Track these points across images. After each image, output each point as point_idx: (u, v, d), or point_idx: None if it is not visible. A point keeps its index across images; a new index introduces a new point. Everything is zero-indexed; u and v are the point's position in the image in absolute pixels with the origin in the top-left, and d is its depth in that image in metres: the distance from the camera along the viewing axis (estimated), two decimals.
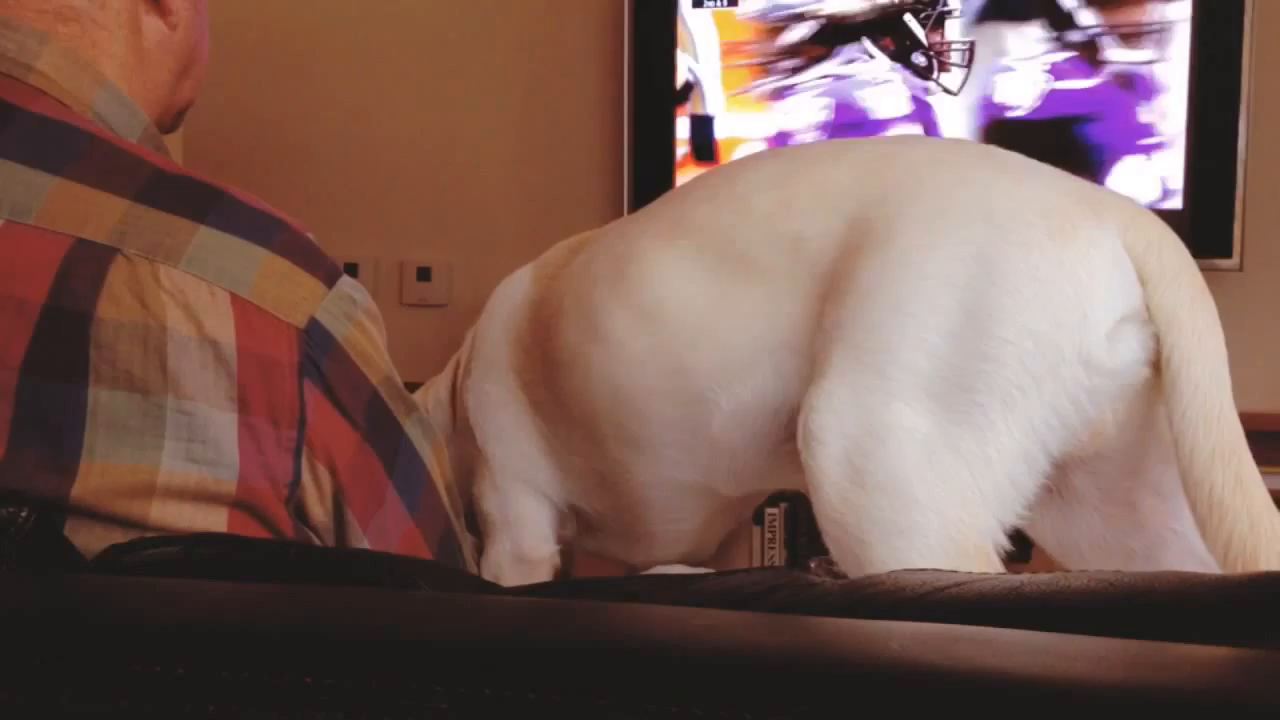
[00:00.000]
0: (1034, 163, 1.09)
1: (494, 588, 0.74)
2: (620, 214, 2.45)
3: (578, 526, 1.35)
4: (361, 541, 0.96)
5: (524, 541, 1.32)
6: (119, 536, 0.84)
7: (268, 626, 0.55)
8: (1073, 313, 0.99)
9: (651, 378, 1.15)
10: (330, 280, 0.96)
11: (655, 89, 2.44)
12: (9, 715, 0.51)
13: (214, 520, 0.89)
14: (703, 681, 0.48)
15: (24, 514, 0.70)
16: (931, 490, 0.99)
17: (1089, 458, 1.06)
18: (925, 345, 1.00)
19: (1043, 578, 0.62)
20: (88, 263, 0.89)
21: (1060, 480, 1.07)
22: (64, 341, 0.87)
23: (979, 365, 0.99)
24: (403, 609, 0.59)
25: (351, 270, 2.54)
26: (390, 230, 2.66)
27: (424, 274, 2.67)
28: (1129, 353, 1.00)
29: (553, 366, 1.24)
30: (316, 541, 0.94)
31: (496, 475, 1.31)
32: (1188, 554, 1.08)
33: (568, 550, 1.38)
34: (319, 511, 0.94)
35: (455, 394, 1.43)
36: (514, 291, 1.33)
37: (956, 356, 0.99)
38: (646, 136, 2.45)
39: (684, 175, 2.43)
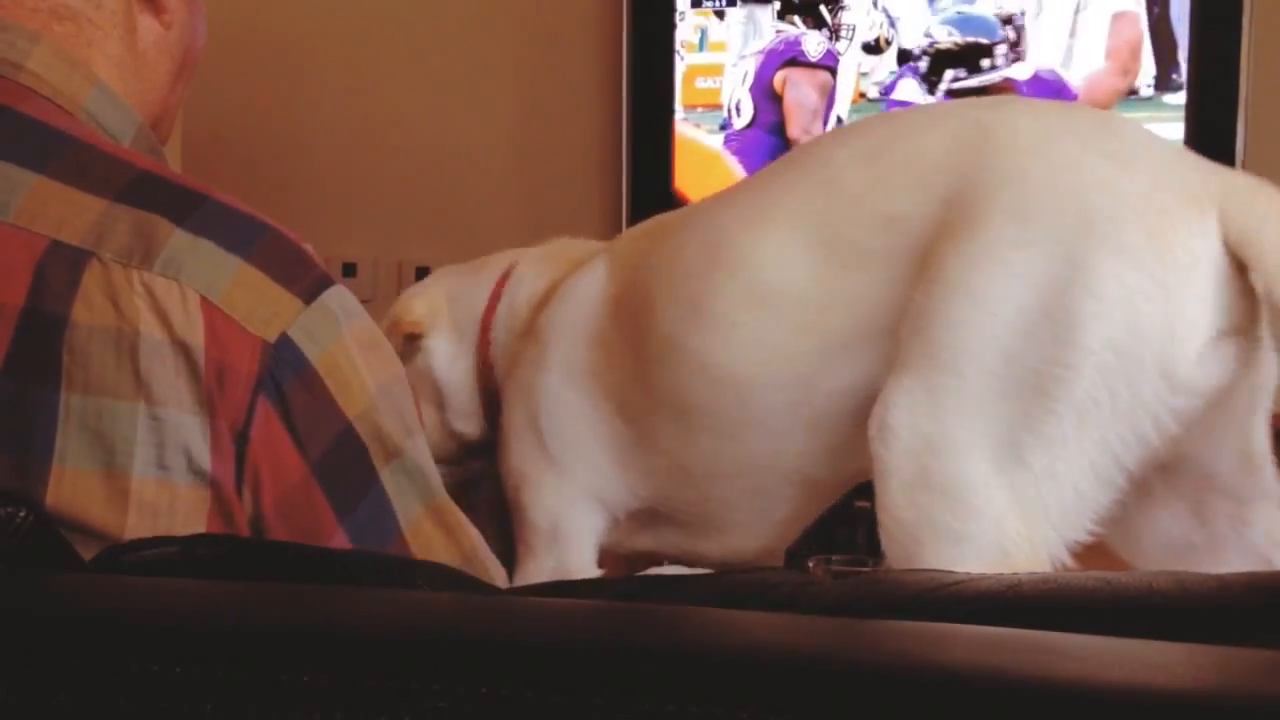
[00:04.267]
0: (1148, 141, 1.02)
1: (493, 588, 0.74)
2: (619, 213, 2.45)
3: (635, 526, 1.30)
4: None
5: (571, 561, 1.27)
6: (95, 548, 0.81)
7: (267, 626, 0.55)
8: (1159, 326, 0.93)
9: (752, 364, 1.12)
10: (310, 296, 0.92)
11: (654, 88, 2.44)
12: (7, 715, 0.51)
13: (189, 528, 0.87)
14: (700, 680, 0.48)
15: (22, 514, 0.70)
16: (992, 499, 0.96)
17: (1164, 462, 1.02)
18: (1003, 347, 0.96)
19: (1041, 576, 0.62)
20: (63, 265, 0.88)
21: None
22: (39, 345, 0.86)
23: (1056, 372, 0.95)
24: (403, 609, 0.59)
25: (350, 270, 2.53)
26: (389, 230, 2.66)
27: (423, 274, 2.67)
28: (1221, 372, 0.95)
29: (643, 361, 1.20)
30: None
31: (564, 484, 1.26)
32: (1249, 552, 1.05)
33: (614, 556, 1.35)
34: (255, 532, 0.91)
35: (481, 374, 1.39)
36: (589, 288, 1.28)
37: (1035, 361, 0.95)
38: (645, 136, 2.45)
39: (683, 175, 2.43)
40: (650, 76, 2.45)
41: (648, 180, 2.44)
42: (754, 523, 1.26)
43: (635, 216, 2.38)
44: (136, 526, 0.86)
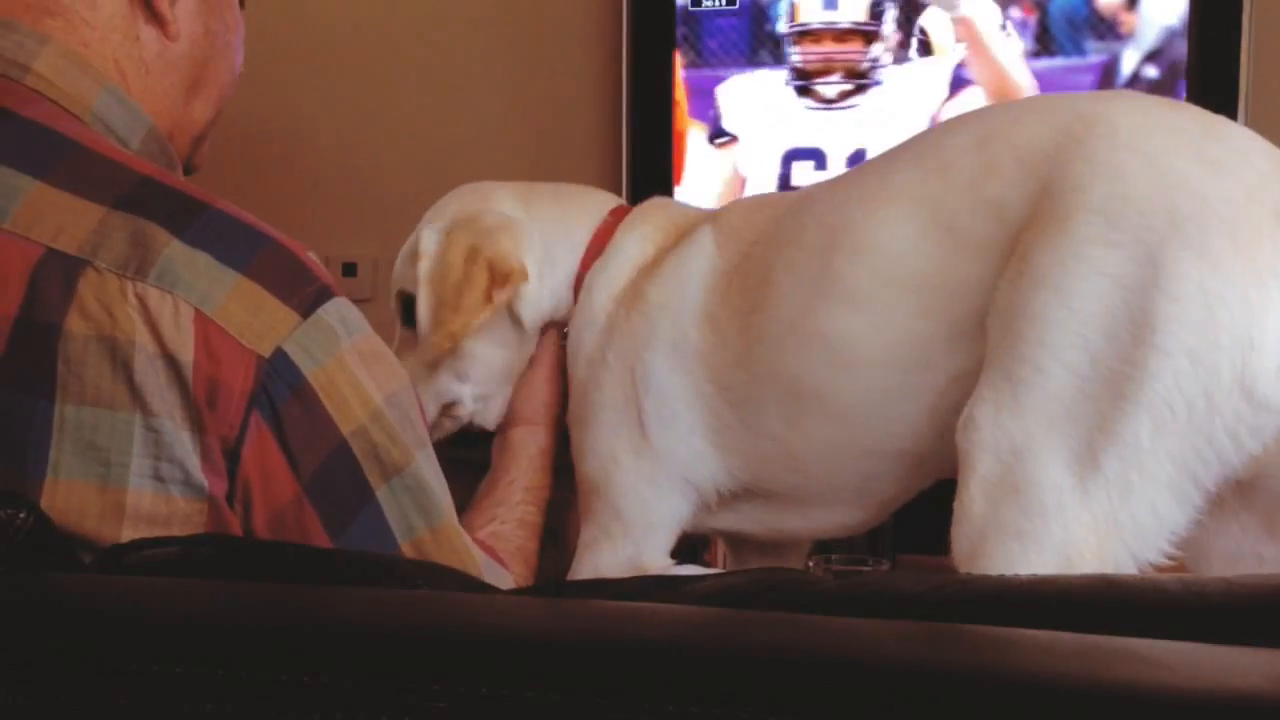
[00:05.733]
0: (1254, 150, 0.99)
1: (492, 588, 0.74)
2: None
3: (722, 506, 1.26)
4: None
5: (648, 550, 1.24)
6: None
7: (267, 626, 0.55)
8: (1237, 337, 0.91)
9: (875, 346, 1.11)
10: (308, 310, 0.91)
11: (654, 88, 2.44)
12: (8, 714, 0.52)
13: None
14: (700, 680, 0.48)
15: (23, 515, 0.70)
16: (1064, 503, 0.95)
17: (1242, 479, 0.99)
18: (1088, 345, 0.95)
19: (1039, 577, 0.62)
20: (58, 274, 0.87)
21: None
22: (33, 355, 0.85)
23: (1134, 374, 0.93)
24: (403, 609, 0.59)
25: (350, 270, 2.53)
26: (389, 230, 2.66)
27: None
28: None
29: (755, 341, 1.18)
30: None
31: (660, 470, 1.23)
32: None
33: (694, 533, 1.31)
34: None
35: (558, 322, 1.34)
36: (699, 264, 1.24)
37: (1115, 361, 0.94)
38: (645, 136, 2.45)
39: (682, 176, 2.44)
40: (650, 76, 2.45)
41: (648, 180, 2.44)
42: (854, 501, 1.23)
43: None
44: (132, 539, 0.82)
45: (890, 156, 1.18)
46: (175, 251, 0.88)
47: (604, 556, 1.24)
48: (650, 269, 1.28)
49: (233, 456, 0.88)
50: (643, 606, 0.59)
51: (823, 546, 1.41)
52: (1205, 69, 2.19)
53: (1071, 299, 0.96)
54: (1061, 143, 1.01)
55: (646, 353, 1.24)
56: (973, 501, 0.99)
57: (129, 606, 0.58)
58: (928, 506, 1.14)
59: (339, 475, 0.92)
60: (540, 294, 1.33)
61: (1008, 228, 1.03)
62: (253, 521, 0.90)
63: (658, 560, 1.24)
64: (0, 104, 0.95)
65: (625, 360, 1.25)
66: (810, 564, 1.35)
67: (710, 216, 1.31)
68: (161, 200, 0.92)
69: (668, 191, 2.40)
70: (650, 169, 2.44)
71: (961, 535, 1.00)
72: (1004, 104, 1.21)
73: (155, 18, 1.05)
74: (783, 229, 1.20)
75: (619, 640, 0.53)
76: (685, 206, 1.41)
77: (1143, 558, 0.95)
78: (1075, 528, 0.94)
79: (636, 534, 1.24)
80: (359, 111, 2.65)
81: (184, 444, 0.86)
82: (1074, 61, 2.18)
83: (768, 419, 1.19)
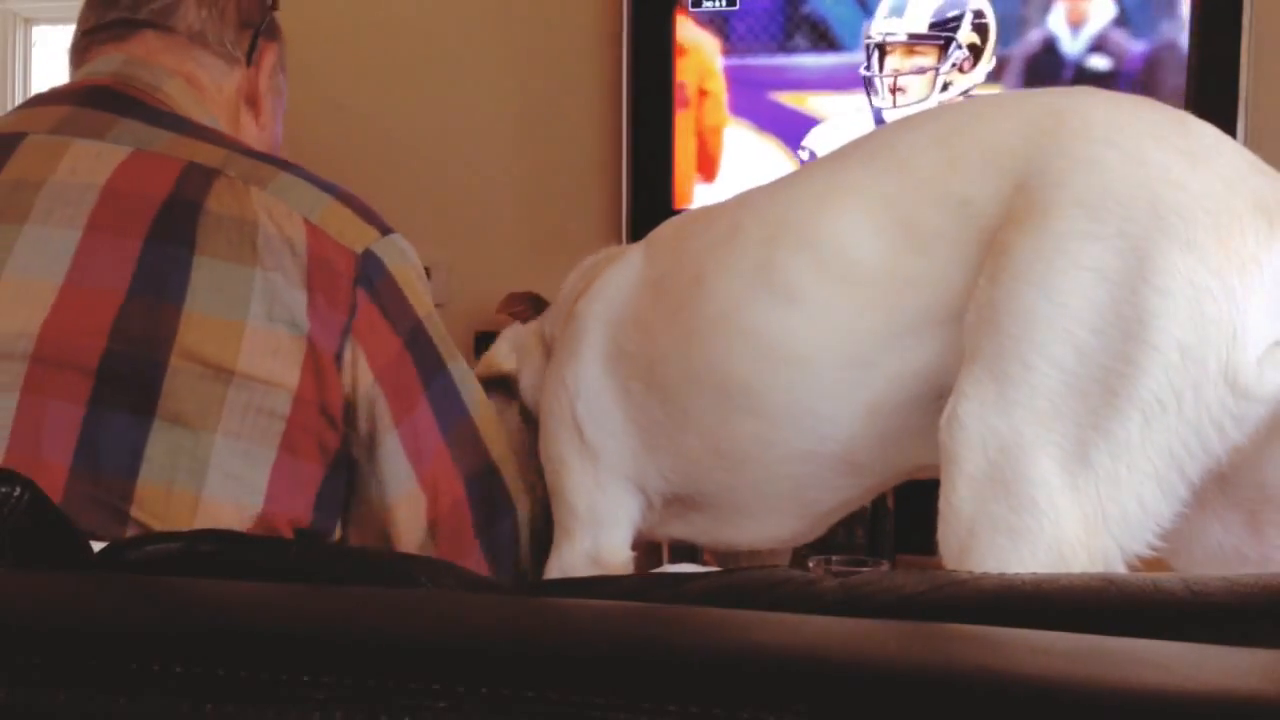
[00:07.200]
0: (1222, 144, 1.00)
1: (494, 586, 0.74)
2: (618, 212, 2.45)
3: (669, 512, 1.30)
4: (390, 434, 1.13)
5: (605, 543, 1.27)
6: (211, 379, 1.06)
7: (267, 626, 0.55)
8: (1221, 328, 0.92)
9: (812, 341, 1.11)
10: (383, 231, 1.19)
11: (654, 87, 2.44)
12: (6, 714, 0.51)
13: (289, 372, 1.09)
14: (700, 680, 0.48)
15: (18, 492, 0.69)
16: (1055, 498, 0.95)
17: (1223, 472, 1.00)
18: (1075, 341, 0.95)
19: (1042, 576, 0.62)
20: (198, 175, 1.13)
21: None
22: (177, 220, 1.10)
23: (1124, 370, 0.93)
24: (403, 608, 0.59)
25: None
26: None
27: (424, 274, 2.67)
28: (1278, 380, 0.93)
29: (685, 340, 1.19)
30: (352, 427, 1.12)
31: (601, 469, 1.26)
32: None
33: (646, 544, 1.35)
34: (356, 397, 1.12)
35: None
36: (626, 274, 1.28)
37: (1104, 356, 0.94)
38: (645, 135, 2.45)
39: (682, 175, 2.43)
40: (650, 77, 2.45)
41: (648, 179, 2.44)
42: (789, 510, 1.24)
43: (635, 215, 2.38)
44: (248, 363, 1.08)
45: (838, 157, 1.18)
46: (284, 178, 1.17)
47: (565, 553, 1.29)
48: (580, 294, 1.34)
49: (345, 328, 1.11)
50: (643, 606, 0.59)
51: (822, 547, 1.41)
52: (1205, 70, 2.19)
53: (1056, 294, 0.96)
54: (1033, 138, 1.01)
55: (574, 360, 1.29)
56: (960, 499, 0.99)
57: (129, 606, 0.58)
58: (928, 506, 1.14)
59: (423, 342, 1.19)
60: (539, 374, 1.44)
61: (972, 224, 1.03)
62: (374, 370, 1.13)
63: (618, 555, 1.29)
64: (138, 98, 1.24)
65: (559, 371, 1.31)
66: (810, 564, 1.35)
67: (645, 239, 1.34)
68: (266, 155, 1.20)
69: (667, 189, 2.41)
70: (650, 169, 2.44)
71: (950, 533, 1.00)
72: (960, 103, 1.22)
73: (253, 108, 1.39)
74: (716, 229, 1.21)
75: (621, 640, 0.53)
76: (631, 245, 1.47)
77: (1130, 550, 0.96)
78: (1066, 523, 0.95)
79: (592, 530, 1.28)
80: (360, 114, 2.65)
81: (294, 296, 1.10)
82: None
83: (696, 416, 1.20)
